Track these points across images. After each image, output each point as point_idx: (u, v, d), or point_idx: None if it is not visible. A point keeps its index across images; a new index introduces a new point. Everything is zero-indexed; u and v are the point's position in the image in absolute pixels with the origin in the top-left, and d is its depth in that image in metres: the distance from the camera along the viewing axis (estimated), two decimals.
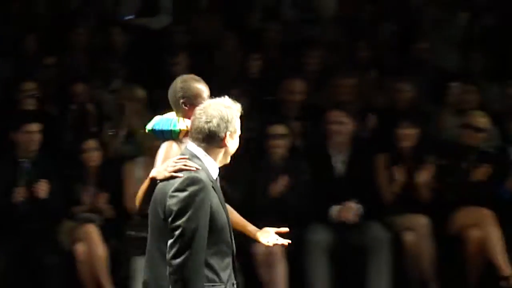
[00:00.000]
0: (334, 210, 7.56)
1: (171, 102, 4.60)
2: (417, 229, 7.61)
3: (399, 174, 7.66)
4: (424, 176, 7.65)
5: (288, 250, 7.40)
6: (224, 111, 3.88)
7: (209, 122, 3.86)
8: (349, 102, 8.31)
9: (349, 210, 7.51)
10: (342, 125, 7.70)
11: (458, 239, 7.67)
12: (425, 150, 7.83)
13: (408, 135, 7.72)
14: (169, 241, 3.72)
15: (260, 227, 4.57)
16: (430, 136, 8.22)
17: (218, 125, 3.86)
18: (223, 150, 3.93)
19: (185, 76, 4.67)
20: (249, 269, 7.47)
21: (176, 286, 3.70)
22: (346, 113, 7.76)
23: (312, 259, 7.54)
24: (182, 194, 3.74)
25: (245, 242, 7.42)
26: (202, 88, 4.54)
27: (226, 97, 3.95)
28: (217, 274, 3.82)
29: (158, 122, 4.57)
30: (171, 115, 4.56)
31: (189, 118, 4.21)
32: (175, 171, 3.85)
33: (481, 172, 7.67)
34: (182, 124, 4.48)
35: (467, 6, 9.71)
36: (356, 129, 7.83)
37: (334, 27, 9.69)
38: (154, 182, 3.99)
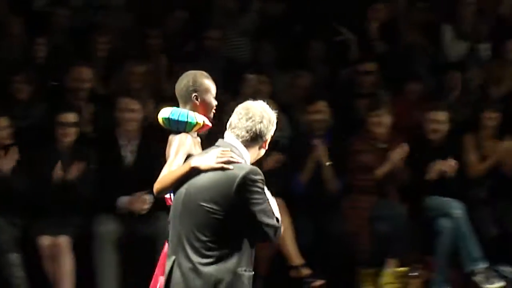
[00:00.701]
0: (123, 200, 7.38)
1: (180, 96, 4.68)
2: None
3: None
4: None
5: (74, 242, 7.18)
6: (272, 116, 4.19)
7: (261, 122, 4.11)
8: (139, 89, 8.17)
9: (138, 201, 7.35)
10: (132, 112, 7.52)
11: None
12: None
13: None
14: (256, 225, 3.99)
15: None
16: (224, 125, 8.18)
17: (267, 127, 4.15)
18: (258, 151, 4.22)
19: (196, 72, 4.75)
20: (33, 262, 7.18)
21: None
22: (136, 100, 7.59)
23: (100, 251, 7.33)
24: (250, 187, 3.99)
25: (32, 233, 7.30)
26: (212, 84, 4.70)
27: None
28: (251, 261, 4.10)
29: (174, 112, 4.62)
30: (177, 108, 4.64)
31: (198, 112, 4.58)
32: (224, 163, 4.02)
33: (271, 161, 7.70)
34: (200, 118, 4.60)
35: None
36: (145, 117, 7.69)
37: (124, 13, 9.49)
38: (193, 171, 4.10)
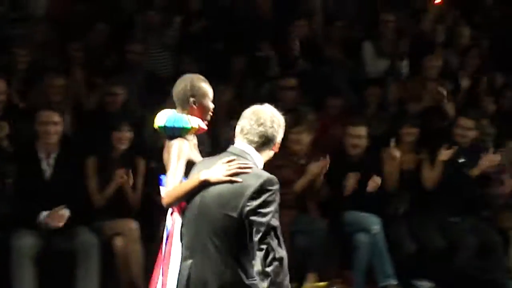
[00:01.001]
0: (42, 215, 7.27)
1: (177, 100, 4.78)
2: (127, 233, 7.51)
3: (113, 178, 7.53)
4: (131, 180, 7.58)
5: None
6: (281, 119, 4.34)
7: (272, 127, 4.26)
8: (59, 102, 8.08)
9: (56, 216, 7.25)
10: (51, 126, 7.43)
11: None
12: (137, 153, 7.76)
13: (122, 138, 7.61)
14: (256, 237, 4.03)
15: None
16: (143, 140, 8.17)
17: (277, 131, 4.30)
18: (269, 154, 4.34)
19: (193, 76, 4.88)
20: None
21: (275, 275, 4.01)
22: (55, 113, 7.50)
23: (17, 266, 7.20)
24: (265, 194, 4.07)
25: None
26: (209, 88, 4.83)
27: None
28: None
29: (169, 119, 4.72)
30: (172, 112, 4.74)
31: (195, 116, 4.71)
32: (232, 175, 4.14)
33: None
34: (194, 122, 4.72)
35: (181, 10, 9.76)
36: (65, 131, 7.61)
37: (44, 26, 9.38)
38: (203, 184, 4.21)
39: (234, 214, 4.11)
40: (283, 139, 8.05)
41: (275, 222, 4.07)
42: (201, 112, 4.80)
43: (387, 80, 9.55)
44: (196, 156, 4.74)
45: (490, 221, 8.50)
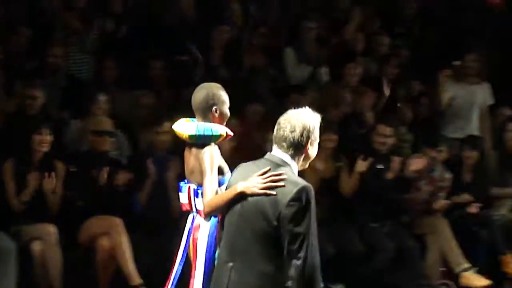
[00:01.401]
0: None
1: (198, 108, 4.91)
2: (45, 238, 7.44)
3: (31, 182, 7.46)
4: (51, 183, 7.52)
5: None
6: (306, 122, 4.34)
7: (294, 131, 4.30)
8: None
9: None
10: None
11: (88, 247, 7.65)
12: (56, 157, 7.70)
13: (43, 141, 7.54)
14: (290, 245, 4.11)
15: None
16: (62, 143, 8.10)
17: (302, 134, 4.30)
18: (303, 156, 4.35)
19: (212, 84, 5.01)
20: None
21: (301, 283, 4.11)
22: None
23: None
24: (300, 203, 4.14)
25: None
26: (226, 95, 4.96)
27: (307, 107, 4.42)
28: None
29: (199, 127, 4.86)
30: (195, 121, 4.91)
31: (216, 123, 4.87)
32: (266, 188, 4.24)
33: (118, 180, 7.77)
34: (222, 129, 4.89)
35: (103, 13, 9.70)
36: None
37: None
38: (240, 196, 4.31)
39: (273, 221, 4.20)
40: None
41: (307, 229, 4.14)
42: (221, 119, 4.95)
43: (307, 87, 9.62)
44: (223, 162, 4.92)
45: (407, 227, 8.65)
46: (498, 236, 8.71)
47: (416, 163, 8.49)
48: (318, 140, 4.44)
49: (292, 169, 4.34)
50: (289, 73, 9.92)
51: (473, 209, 8.80)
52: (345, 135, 8.65)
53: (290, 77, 9.91)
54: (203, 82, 8.96)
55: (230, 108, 8.43)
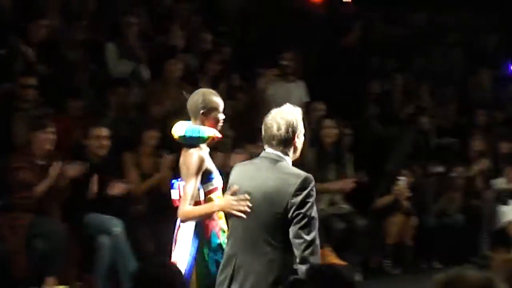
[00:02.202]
0: None
1: (190, 112, 5.42)
2: None
3: None
4: None
5: None
6: (290, 118, 4.85)
7: (280, 129, 4.82)
8: None
9: None
10: None
11: None
12: None
13: None
14: (301, 228, 4.67)
15: None
16: None
17: (287, 131, 4.82)
18: (293, 148, 4.89)
19: (205, 90, 5.59)
20: None
21: (312, 254, 4.65)
22: None
23: None
24: (305, 191, 4.71)
25: None
26: (219, 101, 5.45)
27: (288, 104, 4.93)
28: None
29: (188, 129, 5.36)
30: (188, 123, 5.40)
31: (207, 126, 5.36)
32: (238, 211, 4.89)
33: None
34: (210, 132, 5.36)
35: None
36: None
37: None
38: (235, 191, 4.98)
39: (281, 211, 4.72)
40: (22, 141, 7.92)
41: (314, 214, 4.72)
42: (212, 123, 5.41)
43: (130, 82, 9.53)
44: (211, 163, 5.41)
45: None
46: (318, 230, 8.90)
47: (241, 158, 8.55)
48: (303, 131, 4.93)
49: (287, 162, 4.87)
50: (110, 69, 9.77)
51: None
52: (167, 131, 8.62)
53: (111, 73, 9.77)
54: (22, 76, 8.81)
55: (50, 103, 8.30)
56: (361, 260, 9.40)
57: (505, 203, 10.27)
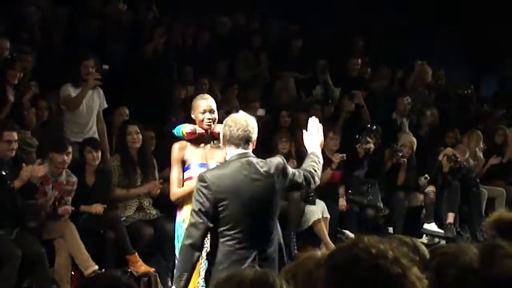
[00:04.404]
0: None
1: None
2: None
3: None
4: None
5: None
6: (249, 120, 5.59)
7: (246, 130, 5.52)
8: None
9: None
10: None
11: None
12: None
13: None
14: (299, 179, 5.73)
15: None
16: None
17: (251, 131, 5.56)
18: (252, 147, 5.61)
19: (198, 95, 7.16)
20: None
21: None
22: None
23: None
24: (287, 165, 5.69)
25: None
26: (200, 103, 6.86)
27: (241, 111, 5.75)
28: None
29: (177, 126, 6.99)
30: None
31: (195, 124, 6.87)
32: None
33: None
34: (186, 128, 6.88)
35: None
36: None
37: None
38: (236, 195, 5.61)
39: (275, 186, 5.51)
40: None
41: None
42: (196, 121, 6.85)
43: None
44: (191, 156, 6.83)
45: (34, 232, 8.55)
46: (126, 237, 8.89)
47: (39, 169, 8.40)
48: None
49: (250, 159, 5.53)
50: None
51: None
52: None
53: None
54: None
55: None
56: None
57: (311, 203, 10.52)
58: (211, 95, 10.86)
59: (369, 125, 11.65)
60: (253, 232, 5.45)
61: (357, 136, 11.26)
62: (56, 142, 8.97)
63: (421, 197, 11.80)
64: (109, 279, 3.71)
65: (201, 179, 5.47)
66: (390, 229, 11.39)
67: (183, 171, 6.86)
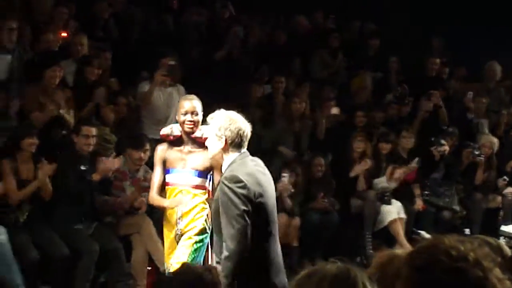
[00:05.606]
0: None
1: None
2: None
3: None
4: None
5: None
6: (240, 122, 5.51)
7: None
8: None
9: None
10: None
11: None
12: None
13: None
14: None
15: None
16: None
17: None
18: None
19: (185, 95, 7.19)
20: None
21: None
22: None
23: None
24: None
25: None
26: (183, 104, 6.53)
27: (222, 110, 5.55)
28: None
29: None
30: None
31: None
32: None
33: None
34: (163, 130, 6.73)
35: None
36: None
37: None
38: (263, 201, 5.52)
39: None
40: None
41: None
42: (179, 123, 6.54)
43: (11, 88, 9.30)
44: (174, 160, 6.58)
45: (111, 227, 8.66)
46: None
47: (114, 162, 8.51)
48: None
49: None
50: None
51: None
52: (46, 138, 8.52)
53: None
54: None
55: None
56: None
57: (387, 203, 10.46)
58: (286, 94, 10.91)
59: (445, 127, 11.52)
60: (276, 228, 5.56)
61: (432, 139, 11.14)
62: (133, 139, 9.00)
63: (499, 198, 11.63)
64: (192, 276, 3.64)
65: (235, 180, 5.24)
66: (467, 231, 11.22)
67: (165, 174, 6.70)
